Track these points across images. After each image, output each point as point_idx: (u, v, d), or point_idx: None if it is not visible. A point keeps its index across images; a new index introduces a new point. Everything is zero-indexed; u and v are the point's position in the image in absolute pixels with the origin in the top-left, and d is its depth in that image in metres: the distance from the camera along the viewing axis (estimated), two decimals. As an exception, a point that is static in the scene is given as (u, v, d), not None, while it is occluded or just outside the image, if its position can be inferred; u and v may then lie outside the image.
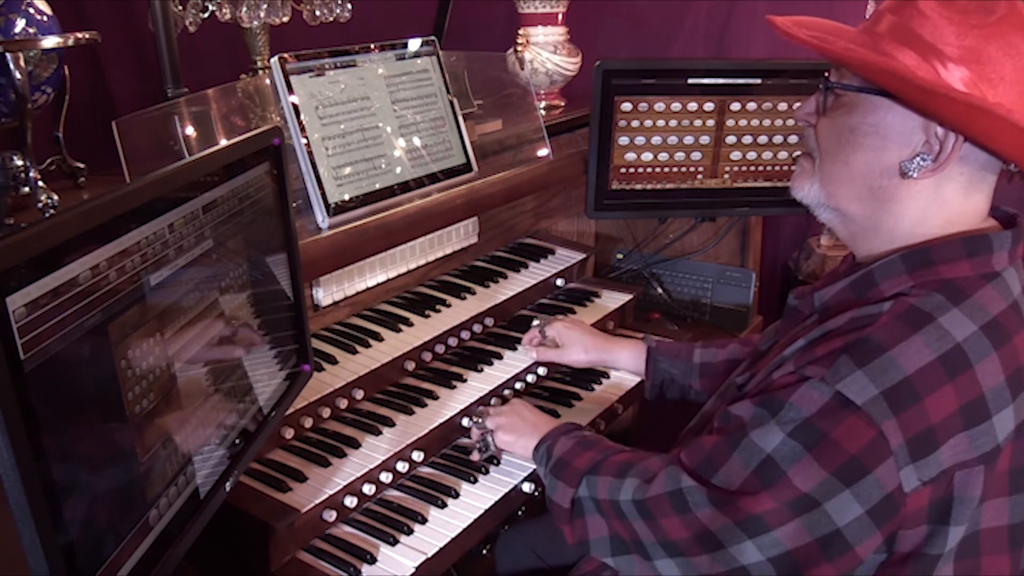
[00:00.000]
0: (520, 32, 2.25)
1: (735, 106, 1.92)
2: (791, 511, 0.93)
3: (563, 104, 2.37)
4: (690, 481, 1.03)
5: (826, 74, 1.06)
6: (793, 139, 1.97)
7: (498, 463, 1.45)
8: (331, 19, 1.88)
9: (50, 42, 1.45)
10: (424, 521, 1.33)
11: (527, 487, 1.40)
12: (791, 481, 0.93)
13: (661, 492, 1.06)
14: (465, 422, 1.54)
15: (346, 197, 1.54)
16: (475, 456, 1.44)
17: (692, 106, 1.91)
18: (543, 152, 1.95)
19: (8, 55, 1.35)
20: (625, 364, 1.62)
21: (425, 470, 1.46)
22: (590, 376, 1.75)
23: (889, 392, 0.90)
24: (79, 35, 1.48)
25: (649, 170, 1.97)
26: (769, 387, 1.01)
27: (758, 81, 1.90)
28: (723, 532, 0.98)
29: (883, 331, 0.93)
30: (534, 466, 1.35)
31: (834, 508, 0.91)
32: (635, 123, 1.92)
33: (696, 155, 1.97)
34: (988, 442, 0.92)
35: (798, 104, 1.90)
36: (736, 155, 1.98)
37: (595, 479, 1.17)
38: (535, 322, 1.68)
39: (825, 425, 0.92)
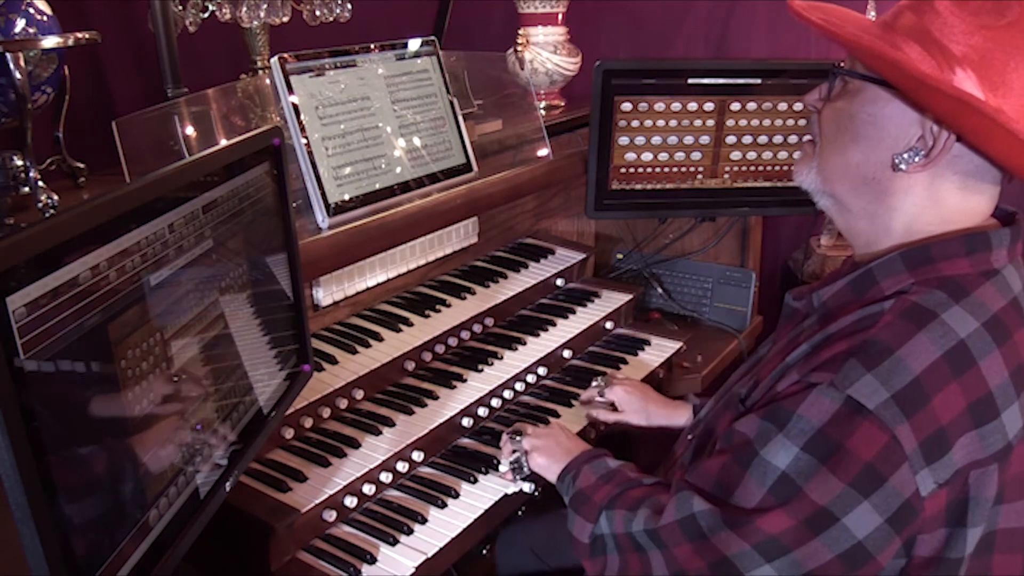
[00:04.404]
0: (520, 32, 2.25)
1: (735, 106, 1.92)
2: (809, 530, 0.91)
3: (563, 104, 2.37)
4: (703, 504, 1.00)
5: (840, 63, 1.06)
6: (793, 139, 1.97)
7: (534, 486, 1.40)
8: (331, 19, 1.88)
9: (50, 42, 1.44)
10: (424, 521, 1.33)
11: (527, 487, 1.40)
12: (808, 496, 0.91)
13: (672, 520, 1.03)
14: (466, 422, 1.54)
15: (346, 197, 1.54)
16: (508, 475, 1.39)
17: (692, 106, 1.91)
18: (543, 152, 1.95)
19: (8, 55, 1.35)
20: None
21: (425, 470, 1.46)
22: (589, 376, 1.75)
23: (899, 395, 0.89)
24: (79, 35, 1.48)
25: (649, 170, 1.97)
26: (775, 398, 0.98)
27: (758, 81, 1.90)
28: (740, 558, 0.95)
29: (888, 331, 0.92)
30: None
31: (853, 522, 0.90)
32: (635, 123, 1.92)
33: (696, 155, 1.97)
34: (999, 440, 0.91)
35: (798, 104, 1.93)
36: (736, 155, 1.98)
37: (612, 513, 1.15)
38: (595, 381, 1.63)
39: (838, 434, 0.90)
